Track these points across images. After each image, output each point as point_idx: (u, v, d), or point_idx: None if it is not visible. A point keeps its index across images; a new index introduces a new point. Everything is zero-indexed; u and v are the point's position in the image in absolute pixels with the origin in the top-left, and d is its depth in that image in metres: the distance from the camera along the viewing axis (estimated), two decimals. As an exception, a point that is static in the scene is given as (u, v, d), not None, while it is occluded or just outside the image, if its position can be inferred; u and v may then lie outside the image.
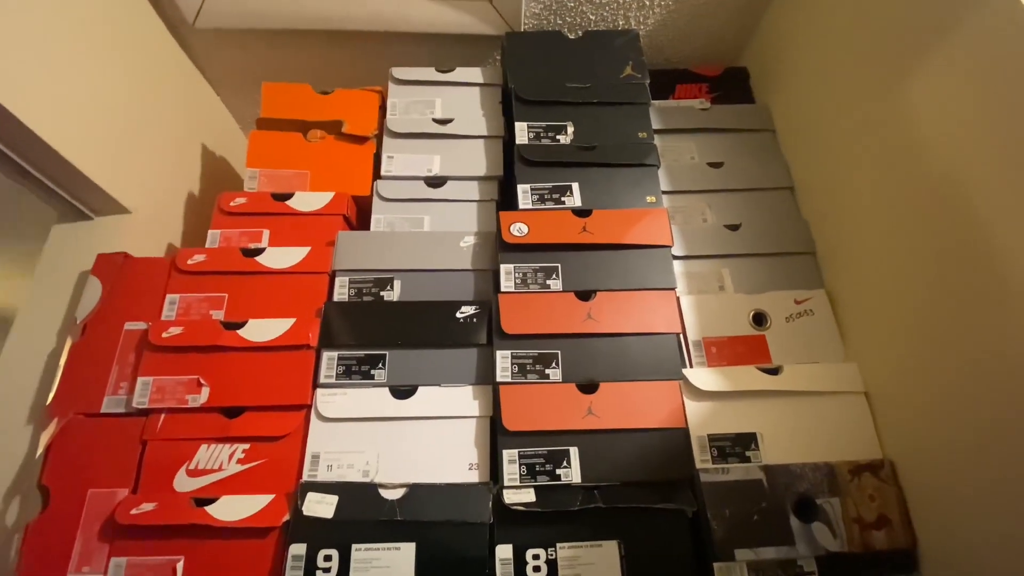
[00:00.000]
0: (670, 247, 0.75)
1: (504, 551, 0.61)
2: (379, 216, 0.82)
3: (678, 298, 0.74)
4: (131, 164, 0.86)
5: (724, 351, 0.72)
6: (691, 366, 0.71)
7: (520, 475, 0.64)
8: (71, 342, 0.72)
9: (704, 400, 0.68)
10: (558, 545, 0.61)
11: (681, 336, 0.72)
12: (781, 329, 0.74)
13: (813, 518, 0.62)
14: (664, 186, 0.83)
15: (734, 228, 0.81)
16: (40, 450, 0.66)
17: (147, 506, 0.62)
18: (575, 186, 0.79)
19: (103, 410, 0.68)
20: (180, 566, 0.60)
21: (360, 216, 0.87)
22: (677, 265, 0.77)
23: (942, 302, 0.59)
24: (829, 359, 0.72)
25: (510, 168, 0.83)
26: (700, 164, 0.87)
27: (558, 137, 0.82)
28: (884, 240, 0.68)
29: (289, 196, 0.82)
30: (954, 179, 0.58)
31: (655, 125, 0.86)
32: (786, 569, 0.61)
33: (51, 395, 0.69)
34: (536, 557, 0.60)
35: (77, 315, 0.74)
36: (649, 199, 0.79)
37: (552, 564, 0.60)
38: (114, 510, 0.62)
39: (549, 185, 0.79)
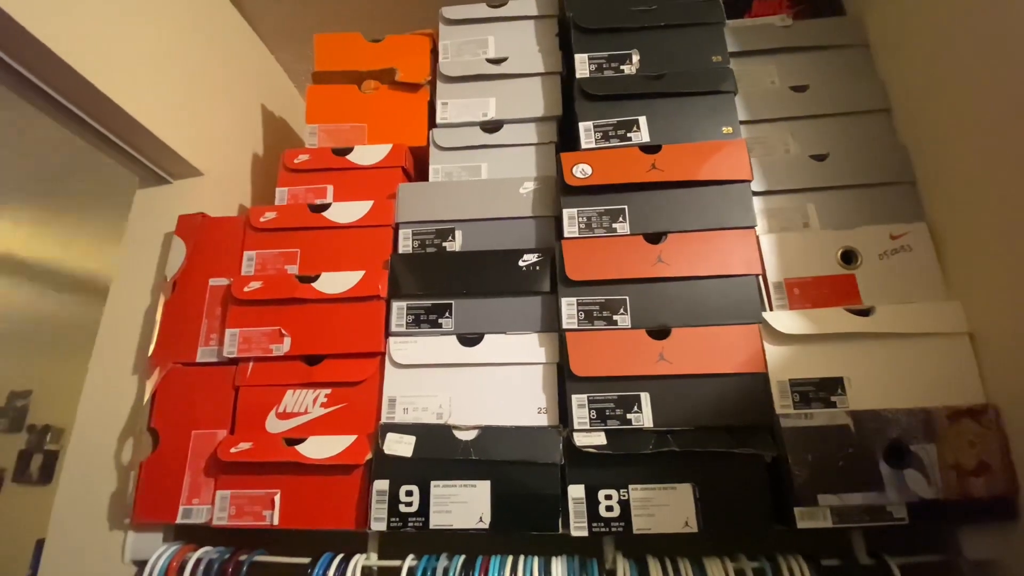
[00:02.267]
0: (749, 182, 0.70)
1: (576, 491, 0.62)
2: (437, 166, 0.81)
3: (758, 237, 0.69)
4: (201, 128, 0.89)
5: (808, 292, 0.67)
6: (771, 309, 0.67)
7: (590, 419, 0.64)
8: (164, 299, 0.77)
9: (785, 344, 0.64)
10: (631, 487, 0.61)
11: (761, 278, 0.68)
12: (873, 267, 0.68)
13: (905, 464, 0.59)
14: (742, 115, 0.76)
15: (821, 158, 0.74)
16: (147, 397, 0.73)
17: (244, 445, 0.67)
18: (642, 120, 0.74)
19: (198, 360, 0.74)
20: (278, 498, 0.66)
21: (418, 166, 0.86)
22: (757, 201, 0.72)
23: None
24: (928, 298, 0.66)
25: (570, 106, 0.78)
26: (782, 88, 0.78)
27: (622, 67, 0.77)
28: (1000, 163, 0.59)
29: (349, 150, 0.83)
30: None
31: (730, 47, 0.79)
32: (873, 515, 0.58)
33: (151, 347, 0.75)
34: (608, 497, 0.61)
35: (167, 273, 0.79)
36: (725, 130, 0.73)
37: (624, 504, 0.61)
38: (216, 449, 0.68)
39: (614, 121, 0.74)
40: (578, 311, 0.68)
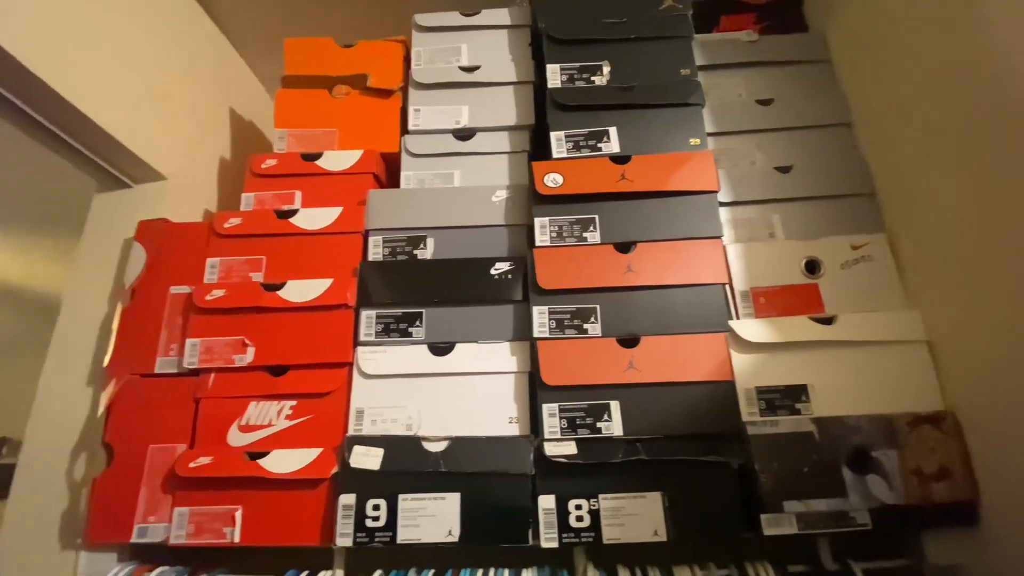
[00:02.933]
0: (716, 193, 0.71)
1: (547, 501, 0.61)
2: (408, 173, 0.81)
3: (724, 247, 0.70)
4: (164, 131, 0.86)
5: (773, 301, 0.68)
6: (738, 318, 0.68)
7: (560, 428, 0.63)
8: (121, 307, 0.74)
9: (752, 352, 0.65)
10: (601, 496, 0.61)
11: (727, 287, 0.69)
12: (836, 277, 0.69)
13: (868, 471, 0.60)
14: (709, 127, 0.78)
15: (785, 170, 0.75)
16: (101, 409, 0.69)
17: (204, 460, 0.65)
18: (613, 131, 0.75)
19: (156, 371, 0.71)
20: (239, 515, 0.63)
21: (389, 173, 0.85)
22: (724, 212, 0.73)
23: (1017, 242, 0.54)
24: (888, 307, 0.68)
25: (542, 115, 0.79)
26: (748, 101, 0.80)
27: (593, 78, 0.77)
28: (956, 176, 0.62)
29: (318, 156, 0.81)
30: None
31: (699, 61, 0.80)
32: (838, 521, 0.59)
33: (107, 358, 0.72)
34: (579, 507, 0.61)
35: (125, 280, 0.76)
36: (693, 141, 0.74)
37: (595, 514, 0.60)
38: (174, 464, 0.65)
39: (585, 131, 0.75)
40: (549, 319, 0.68)
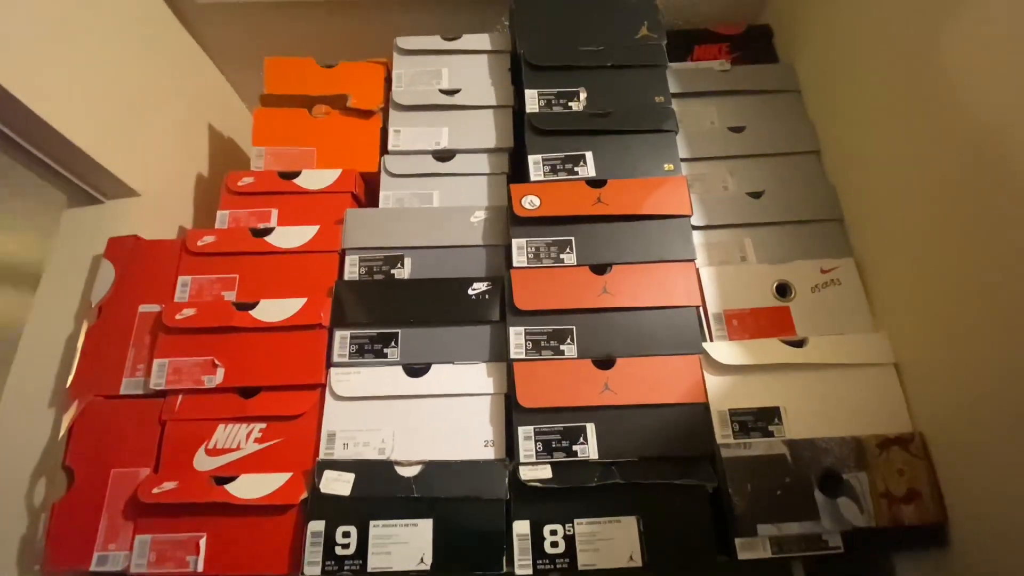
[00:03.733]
0: (689, 217, 0.72)
1: (521, 527, 0.60)
2: (387, 192, 0.81)
3: (698, 270, 0.71)
4: (138, 146, 0.85)
5: (746, 324, 0.69)
6: (711, 340, 0.69)
7: (536, 452, 0.63)
8: (87, 325, 0.72)
9: (725, 374, 0.66)
10: (576, 521, 0.60)
11: (701, 309, 0.70)
12: (806, 300, 0.71)
13: (839, 493, 0.60)
14: (683, 153, 0.79)
15: (757, 195, 0.77)
16: (62, 432, 0.67)
17: (169, 485, 0.62)
18: (589, 155, 0.76)
19: (122, 392, 0.69)
20: (203, 543, 0.61)
21: (368, 193, 0.85)
22: (697, 235, 0.74)
23: (979, 267, 0.56)
24: (857, 330, 0.69)
25: (521, 138, 0.80)
26: (720, 129, 0.82)
27: (570, 104, 0.79)
28: (918, 202, 0.64)
29: (296, 174, 0.81)
30: (996, 133, 0.54)
31: (673, 88, 0.82)
32: (810, 544, 0.59)
33: (70, 378, 0.70)
34: (554, 533, 0.60)
35: (92, 298, 0.74)
36: (667, 167, 0.75)
37: (570, 540, 0.60)
38: (137, 489, 0.63)
39: (562, 155, 0.76)
40: (526, 340, 0.67)
